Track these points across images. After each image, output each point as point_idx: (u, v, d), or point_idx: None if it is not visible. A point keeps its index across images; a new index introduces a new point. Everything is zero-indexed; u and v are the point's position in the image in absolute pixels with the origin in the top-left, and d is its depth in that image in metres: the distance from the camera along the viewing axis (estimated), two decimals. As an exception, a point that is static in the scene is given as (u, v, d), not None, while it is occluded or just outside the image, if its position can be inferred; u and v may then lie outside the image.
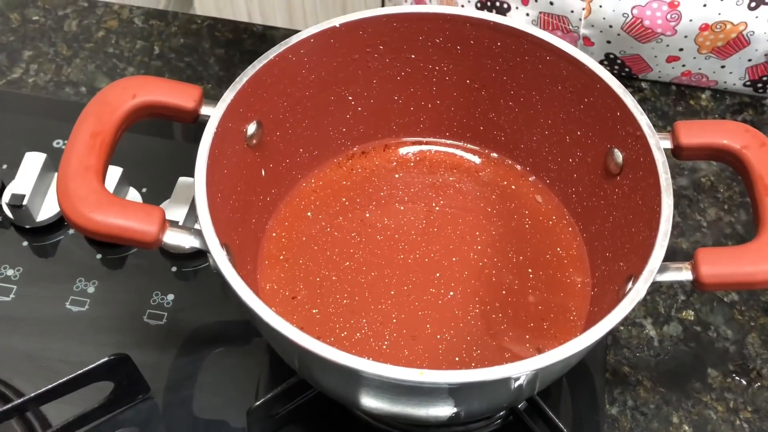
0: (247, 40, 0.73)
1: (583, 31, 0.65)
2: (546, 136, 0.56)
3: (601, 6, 0.63)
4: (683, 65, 0.66)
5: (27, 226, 0.61)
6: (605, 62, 0.68)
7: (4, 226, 0.62)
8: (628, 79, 0.70)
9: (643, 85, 0.70)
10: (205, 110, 0.50)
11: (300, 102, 0.55)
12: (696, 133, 0.50)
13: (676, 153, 0.50)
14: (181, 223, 0.58)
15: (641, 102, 0.69)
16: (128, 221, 0.45)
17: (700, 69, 0.66)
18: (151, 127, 0.63)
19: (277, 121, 0.54)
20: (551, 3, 0.64)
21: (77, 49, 0.72)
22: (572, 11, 0.64)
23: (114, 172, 0.61)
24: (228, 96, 0.50)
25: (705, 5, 0.61)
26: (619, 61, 0.68)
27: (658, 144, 0.48)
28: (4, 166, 0.64)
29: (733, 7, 0.61)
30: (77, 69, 0.71)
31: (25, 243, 0.61)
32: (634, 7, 0.62)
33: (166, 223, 0.46)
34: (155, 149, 0.65)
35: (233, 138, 0.51)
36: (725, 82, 0.67)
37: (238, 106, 0.50)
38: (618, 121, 0.51)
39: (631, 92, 0.68)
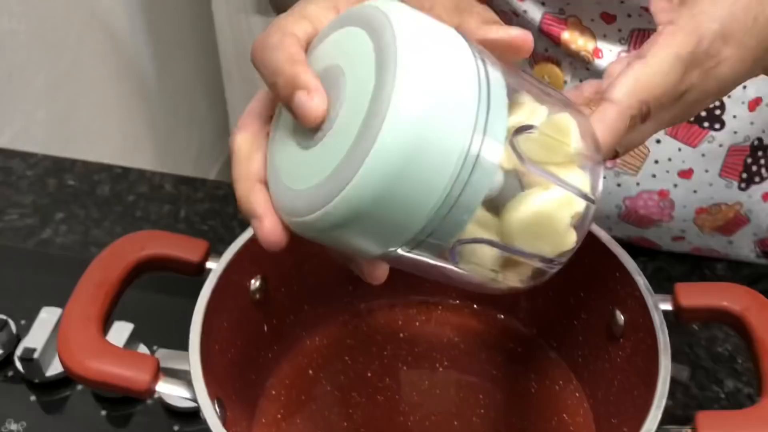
0: (268, 205, 0.75)
1: None
2: (550, 297, 0.56)
3: None
4: (690, 243, 0.66)
5: (36, 380, 0.61)
6: None
7: (14, 381, 0.62)
8: (640, 252, 0.70)
9: (659, 255, 0.70)
10: (210, 264, 0.51)
11: (307, 259, 0.56)
12: (696, 294, 0.49)
13: (677, 315, 0.50)
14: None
15: (656, 272, 0.68)
16: (121, 369, 0.46)
17: (708, 245, 0.66)
18: (166, 285, 0.64)
19: (282, 277, 0.55)
20: None
21: (107, 212, 0.75)
22: None
23: (124, 328, 0.61)
24: (231, 249, 0.51)
25: (695, 191, 0.62)
26: (626, 242, 0.68)
27: (656, 304, 0.48)
28: (23, 322, 0.65)
29: (723, 190, 0.62)
30: (104, 231, 0.74)
31: (33, 398, 0.61)
32: (625, 199, 0.63)
33: (159, 373, 0.46)
34: (169, 307, 0.66)
35: (236, 291, 0.52)
36: (737, 255, 0.67)
37: (242, 260, 0.52)
38: (618, 282, 0.51)
39: (645, 261, 0.69)
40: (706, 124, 0.59)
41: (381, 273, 0.38)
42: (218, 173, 1.70)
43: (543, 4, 0.59)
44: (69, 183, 0.78)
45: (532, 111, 0.37)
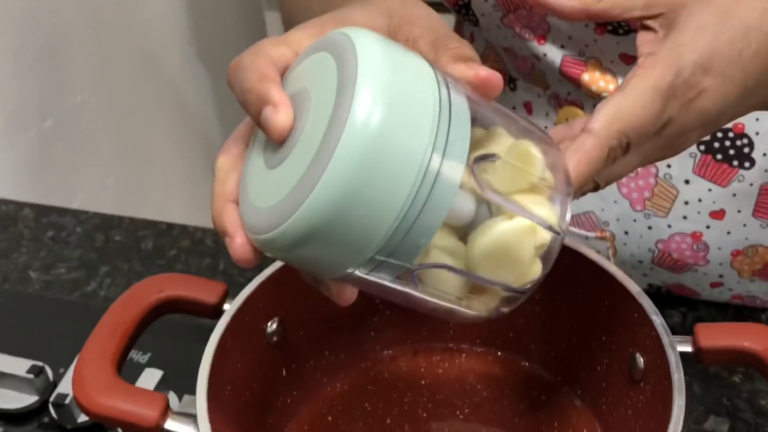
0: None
1: (617, 267, 0.65)
2: (573, 342, 0.55)
3: (625, 244, 0.63)
4: (730, 289, 0.64)
5: (69, 426, 0.62)
6: (651, 290, 0.67)
7: (49, 428, 0.64)
8: (680, 302, 0.68)
9: (699, 305, 0.68)
10: (227, 306, 0.52)
11: (326, 302, 0.55)
12: (716, 335, 0.47)
13: (698, 356, 0.48)
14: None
15: (696, 321, 0.66)
16: (130, 405, 0.46)
17: (749, 291, 0.64)
18: (197, 332, 0.65)
19: (300, 320, 0.55)
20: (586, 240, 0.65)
21: (149, 265, 0.77)
22: (599, 251, 0.64)
23: (154, 375, 0.62)
24: (246, 291, 0.52)
25: (729, 233, 0.60)
26: (664, 290, 0.66)
27: (672, 344, 0.46)
28: (61, 370, 0.67)
29: (758, 230, 0.60)
30: (146, 283, 0.75)
31: (65, 443, 0.62)
32: (657, 242, 0.62)
33: (168, 410, 0.47)
34: (200, 355, 0.67)
35: (251, 333, 0.52)
36: (783, 301, 0.65)
37: (257, 301, 0.52)
38: (636, 323, 0.49)
39: (685, 311, 0.67)
40: (735, 163, 0.58)
41: (349, 295, 0.38)
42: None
43: (563, 47, 0.59)
44: (115, 239, 0.80)
45: (504, 143, 0.37)
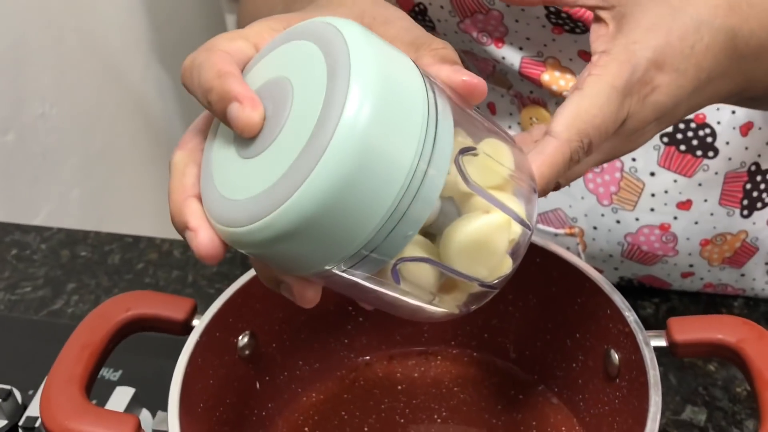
0: (275, 265, 0.75)
1: (587, 262, 0.65)
2: (548, 341, 0.55)
3: (594, 239, 0.63)
4: (701, 278, 0.64)
5: (40, 449, 0.61)
6: (623, 283, 0.67)
7: (20, 451, 0.62)
8: (652, 293, 0.68)
9: (671, 295, 0.68)
10: (196, 322, 0.51)
11: (297, 313, 0.55)
12: (690, 329, 0.47)
13: (672, 350, 0.47)
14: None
15: (669, 312, 0.66)
16: (99, 429, 0.45)
17: (720, 280, 0.64)
18: (168, 349, 0.64)
19: (272, 332, 0.54)
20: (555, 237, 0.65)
21: (117, 280, 0.76)
22: (568, 248, 0.64)
23: (126, 393, 0.61)
24: (215, 306, 0.51)
25: (696, 222, 0.60)
26: (636, 282, 0.66)
27: (646, 340, 0.46)
28: (30, 392, 0.66)
29: (725, 218, 0.60)
30: (114, 298, 0.74)
31: (37, 467, 0.61)
32: (627, 236, 0.62)
33: (140, 431, 0.46)
34: (172, 370, 0.66)
35: (222, 348, 0.51)
36: (753, 289, 0.65)
37: (227, 316, 0.51)
38: (609, 319, 0.49)
39: (657, 302, 0.67)
40: (699, 153, 0.58)
41: (312, 296, 0.37)
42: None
43: (521, 48, 0.58)
44: (81, 254, 0.79)
45: (467, 144, 0.36)
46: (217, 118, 0.37)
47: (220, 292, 0.73)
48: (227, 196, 0.34)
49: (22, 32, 1.28)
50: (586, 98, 0.38)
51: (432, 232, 0.36)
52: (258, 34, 0.39)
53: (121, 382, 0.65)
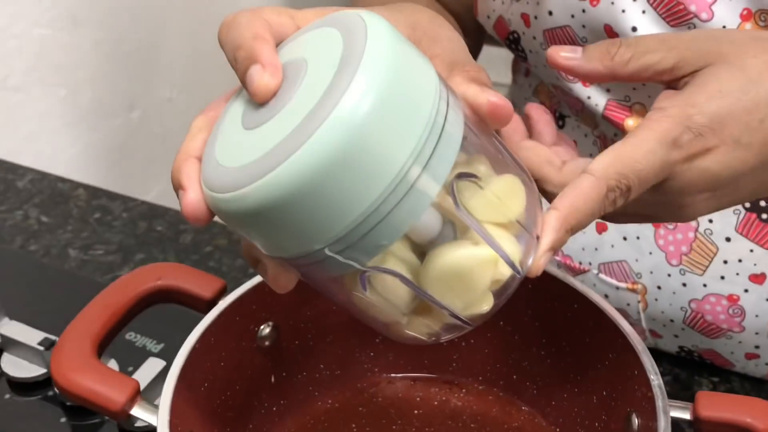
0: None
1: (645, 324, 0.61)
2: (575, 393, 0.52)
3: (657, 299, 0.59)
4: (767, 363, 0.59)
5: (67, 403, 0.62)
6: (683, 354, 0.63)
7: (51, 401, 0.64)
8: (713, 371, 0.63)
9: (733, 377, 0.63)
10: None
11: (325, 315, 0.54)
12: (718, 406, 0.44)
13: (696, 425, 0.44)
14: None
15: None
16: (99, 386, 0.46)
17: (789, 368, 0.59)
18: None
19: (297, 329, 0.54)
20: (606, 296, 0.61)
21: (183, 259, 0.77)
22: (628, 304, 0.61)
23: (156, 365, 0.61)
24: (239, 290, 0.51)
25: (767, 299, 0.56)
26: (696, 356, 0.62)
27: (666, 408, 0.43)
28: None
29: None
30: (176, 275, 0.75)
31: (64, 419, 0.62)
32: (691, 301, 0.58)
33: (138, 397, 0.46)
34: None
35: (239, 333, 0.51)
36: (824, 385, 0.60)
37: (250, 303, 0.51)
38: (636, 381, 0.46)
39: (717, 382, 0.62)
40: None
41: (285, 281, 0.36)
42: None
43: (608, 90, 0.56)
44: (156, 228, 0.81)
45: (483, 171, 0.35)
46: (238, 87, 0.37)
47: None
48: (221, 162, 0.34)
49: (162, 20, 1.34)
50: (629, 145, 0.38)
51: (423, 249, 0.35)
52: (305, 17, 0.39)
53: (161, 355, 0.66)
